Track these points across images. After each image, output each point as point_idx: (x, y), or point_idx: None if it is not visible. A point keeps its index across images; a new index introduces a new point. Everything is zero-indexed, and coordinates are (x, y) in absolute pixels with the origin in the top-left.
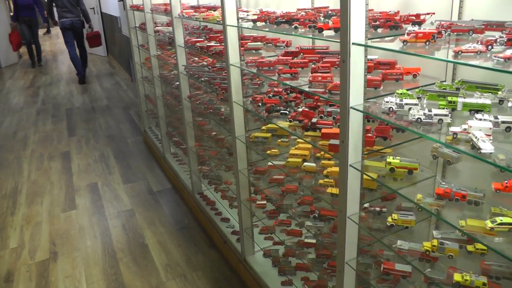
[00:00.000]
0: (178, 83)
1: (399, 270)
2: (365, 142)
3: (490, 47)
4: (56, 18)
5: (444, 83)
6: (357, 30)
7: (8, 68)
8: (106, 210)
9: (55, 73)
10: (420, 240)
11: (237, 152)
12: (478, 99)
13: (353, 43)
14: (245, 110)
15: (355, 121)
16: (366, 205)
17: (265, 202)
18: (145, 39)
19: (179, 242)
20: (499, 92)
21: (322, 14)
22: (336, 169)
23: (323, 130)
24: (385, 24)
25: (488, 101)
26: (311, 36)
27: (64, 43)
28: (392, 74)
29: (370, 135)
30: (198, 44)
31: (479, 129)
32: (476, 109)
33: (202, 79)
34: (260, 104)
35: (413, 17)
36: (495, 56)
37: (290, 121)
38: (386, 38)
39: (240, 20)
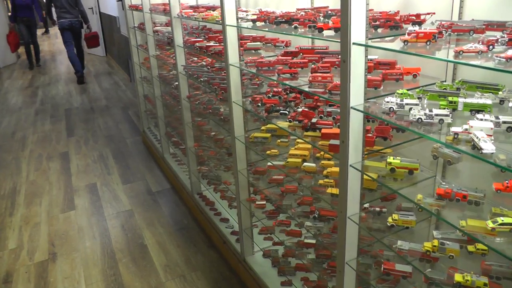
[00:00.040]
0: (177, 83)
1: (399, 270)
2: (365, 142)
3: (491, 47)
4: (55, 18)
5: (444, 83)
6: (358, 30)
7: (6, 68)
8: (105, 210)
9: (53, 73)
10: (420, 240)
11: (236, 152)
12: (478, 99)
13: (353, 43)
14: (245, 110)
15: (356, 121)
16: (366, 205)
17: (264, 202)
18: (144, 39)
19: (178, 242)
20: (500, 92)
21: (321, 14)
22: (336, 169)
23: (323, 130)
24: (385, 24)
25: (489, 101)
26: (311, 36)
27: (63, 43)
28: (392, 74)
29: (370, 135)
30: (197, 44)
31: (480, 129)
32: (477, 109)
33: (201, 79)
34: (259, 104)
35: (413, 17)
36: (496, 56)
37: (290, 121)
38: (386, 38)
39: (239, 20)
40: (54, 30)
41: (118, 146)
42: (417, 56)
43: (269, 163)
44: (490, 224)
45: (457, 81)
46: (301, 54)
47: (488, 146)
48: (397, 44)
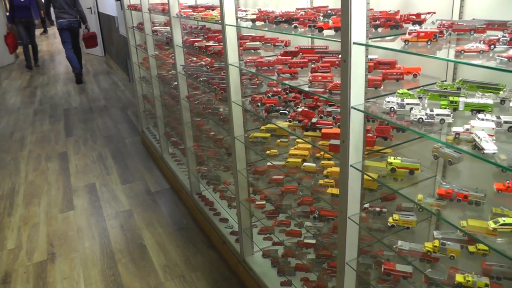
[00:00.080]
0: (176, 83)
1: (400, 270)
2: (365, 142)
3: (493, 46)
4: (53, 19)
5: (445, 82)
6: (358, 30)
7: (4, 69)
8: (104, 210)
9: (52, 73)
10: (420, 240)
11: (236, 152)
12: (479, 99)
13: (354, 43)
14: (244, 110)
15: (356, 121)
16: (366, 205)
17: (264, 202)
18: (143, 39)
19: (177, 242)
20: (501, 92)
21: (321, 14)
22: (336, 169)
23: (323, 130)
24: (385, 23)
25: (490, 101)
26: (311, 35)
27: (61, 43)
28: (392, 74)
29: (370, 135)
30: (196, 44)
31: (482, 129)
32: (478, 109)
33: (201, 79)
34: (259, 104)
35: (414, 17)
36: (498, 56)
37: (290, 121)
38: (387, 38)
39: (239, 20)
40: (53, 30)
41: (117, 146)
42: (417, 56)
43: (268, 163)
44: (491, 225)
45: (457, 81)
46: (300, 53)
47: (490, 146)
48: (397, 44)
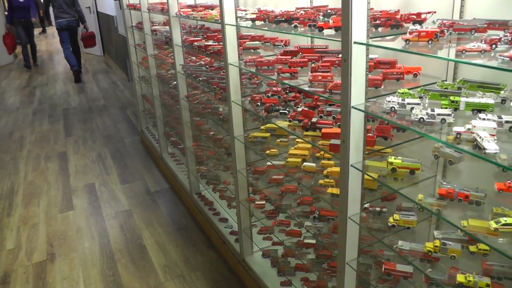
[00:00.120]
0: (175, 82)
1: (400, 270)
2: (365, 142)
3: (494, 46)
4: (52, 18)
5: (445, 82)
6: (359, 29)
7: (3, 68)
8: (104, 210)
9: (51, 73)
10: (420, 240)
11: (235, 152)
12: (480, 98)
13: (354, 42)
14: (244, 110)
15: (356, 120)
16: (366, 205)
17: (264, 202)
18: (142, 38)
19: (177, 242)
20: (501, 92)
21: (321, 13)
22: (337, 169)
23: (324, 130)
24: (386, 23)
25: (491, 101)
26: (311, 35)
27: (60, 42)
28: (392, 74)
29: (370, 134)
30: (196, 43)
31: (483, 129)
32: (479, 109)
33: (200, 78)
34: (259, 103)
35: (414, 16)
36: (500, 55)
37: (290, 121)
38: (387, 37)
39: (238, 19)
40: (51, 30)
41: (117, 146)
42: (417, 55)
43: (268, 163)
44: (493, 225)
45: (458, 80)
46: (300, 53)
47: (491, 146)
48: (398, 43)
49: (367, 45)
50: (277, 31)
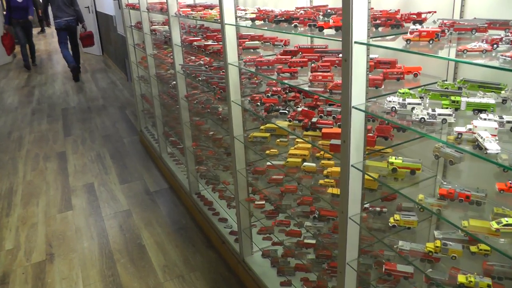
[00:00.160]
0: (174, 82)
1: (401, 271)
2: (366, 142)
3: (495, 46)
4: (51, 18)
5: (445, 82)
6: (359, 29)
7: (1, 68)
8: (103, 210)
9: (50, 72)
10: (420, 240)
11: (235, 152)
12: (481, 98)
13: (355, 42)
14: (244, 110)
15: (357, 121)
16: (366, 205)
17: (263, 202)
18: (141, 38)
19: (176, 242)
20: (502, 92)
21: (321, 13)
22: (337, 169)
23: (324, 130)
24: (386, 22)
25: (492, 101)
26: (311, 35)
27: (58, 42)
28: (393, 73)
29: (371, 134)
30: (195, 43)
31: (485, 129)
32: (479, 109)
33: (200, 78)
34: (258, 103)
35: (414, 16)
36: (501, 55)
37: (290, 121)
38: (387, 37)
39: (238, 19)
40: (50, 29)
41: (116, 145)
42: (417, 55)
43: (268, 163)
44: (494, 225)
45: (458, 80)
46: (300, 53)
47: (493, 146)
48: (399, 43)
49: (368, 45)
50: (277, 31)
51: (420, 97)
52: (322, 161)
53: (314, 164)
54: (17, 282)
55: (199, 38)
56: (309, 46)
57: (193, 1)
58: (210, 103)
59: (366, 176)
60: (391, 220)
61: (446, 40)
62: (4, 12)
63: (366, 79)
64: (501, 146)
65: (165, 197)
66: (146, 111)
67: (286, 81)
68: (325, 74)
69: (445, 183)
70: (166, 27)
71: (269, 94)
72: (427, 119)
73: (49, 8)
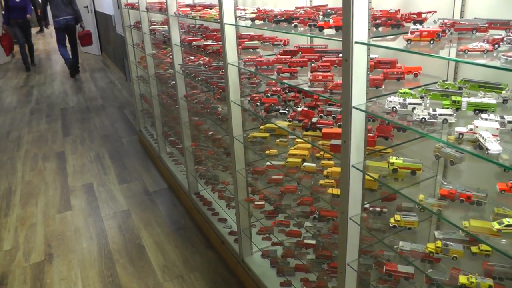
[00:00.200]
0: (174, 82)
1: (401, 271)
2: (366, 142)
3: (497, 45)
4: (50, 18)
5: (446, 82)
6: (360, 29)
7: (0, 68)
8: (102, 211)
9: (49, 72)
10: (420, 240)
11: (235, 152)
12: (482, 98)
13: (355, 42)
14: (243, 110)
15: (358, 121)
16: (366, 205)
17: (263, 202)
18: (140, 37)
19: (176, 243)
20: (503, 92)
21: (321, 13)
22: (337, 169)
23: (324, 130)
24: (386, 22)
25: (493, 101)
26: (312, 34)
27: (56, 41)
28: (393, 73)
29: (371, 135)
30: (194, 43)
31: (486, 129)
32: (480, 109)
33: (199, 78)
34: (258, 103)
35: (415, 16)
36: (503, 55)
37: (290, 121)
38: (388, 37)
39: (238, 19)
40: (49, 29)
41: (115, 145)
42: (417, 55)
43: (268, 163)
44: (496, 226)
45: (459, 80)
46: (300, 53)
47: (494, 147)
48: (399, 43)
49: (369, 45)
50: (277, 31)
51: (421, 97)
52: (322, 161)
53: (314, 164)
54: (15, 282)
55: (198, 38)
56: (309, 46)
57: (192, 1)
58: (210, 103)
59: (366, 176)
60: (392, 220)
61: (446, 40)
62: (3, 12)
63: (367, 79)
64: (503, 146)
65: (164, 197)
66: (145, 111)
67: (285, 81)
68: (325, 74)
69: (445, 183)
70: (165, 26)
71: (269, 94)
72: (428, 119)
73: (48, 8)
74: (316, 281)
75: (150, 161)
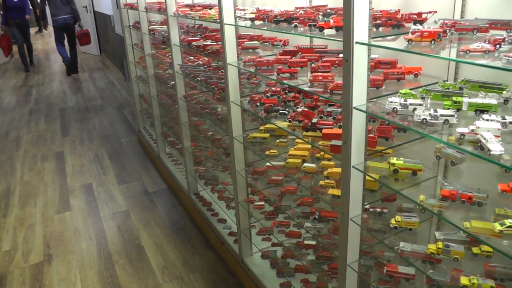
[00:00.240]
0: (173, 82)
1: (402, 272)
2: (367, 143)
3: (498, 46)
4: (49, 16)
5: (446, 82)
6: (360, 29)
7: None
8: (101, 211)
9: (47, 72)
10: (421, 241)
11: (234, 153)
12: (483, 99)
13: (356, 42)
14: (243, 110)
15: (358, 121)
16: (367, 206)
17: (263, 203)
18: (139, 38)
19: (175, 243)
20: (504, 92)
21: (321, 13)
22: (337, 170)
23: (325, 131)
24: (386, 23)
25: (494, 101)
26: (312, 35)
27: (55, 40)
28: (393, 74)
29: (371, 135)
30: (194, 43)
31: (487, 130)
32: (481, 109)
33: (198, 78)
34: (258, 104)
35: (415, 16)
36: (504, 56)
37: (290, 121)
38: (388, 37)
39: (237, 19)
40: (48, 29)
41: (114, 146)
42: (417, 55)
43: (268, 163)
44: (498, 227)
45: (460, 81)
46: (300, 53)
47: (496, 147)
48: (399, 43)
49: (369, 45)
50: (277, 31)
51: (422, 98)
52: (322, 162)
53: (314, 165)
54: (14, 283)
55: (197, 38)
56: (309, 46)
57: (191, 1)
58: (209, 103)
59: (367, 177)
60: (393, 221)
61: (447, 41)
62: (1, 12)
63: (367, 79)
64: (504, 147)
65: (164, 197)
66: (144, 111)
67: (285, 82)
68: (326, 74)
69: (446, 183)
70: (165, 27)
71: (269, 95)
72: (429, 120)
73: (47, 8)
74: (316, 282)
75: (149, 162)
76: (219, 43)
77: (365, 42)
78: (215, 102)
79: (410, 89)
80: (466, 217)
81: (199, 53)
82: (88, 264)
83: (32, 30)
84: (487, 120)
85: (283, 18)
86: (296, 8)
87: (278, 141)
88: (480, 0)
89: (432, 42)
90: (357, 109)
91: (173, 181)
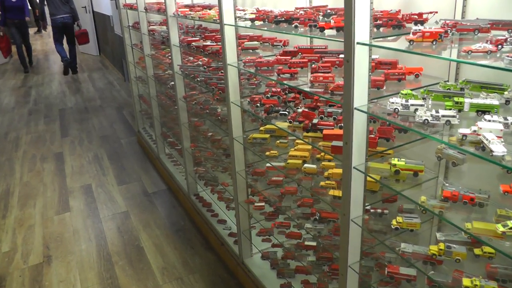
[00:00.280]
0: (173, 83)
1: (403, 274)
2: (368, 144)
3: (500, 46)
4: (47, 19)
5: (447, 83)
6: (362, 30)
7: None
8: (101, 212)
9: (47, 72)
10: (422, 242)
11: (234, 153)
12: (485, 99)
13: (357, 43)
14: (243, 111)
15: (359, 122)
16: (367, 207)
17: (263, 204)
18: (139, 38)
19: (175, 244)
20: (505, 92)
21: (321, 13)
22: (338, 170)
23: (325, 131)
24: (387, 23)
25: (495, 102)
26: (312, 35)
27: (53, 39)
28: (394, 74)
29: (372, 136)
30: (194, 43)
31: (489, 130)
32: (483, 110)
33: (198, 79)
34: (258, 104)
35: (416, 16)
36: (507, 56)
37: (290, 122)
38: (389, 38)
39: (237, 19)
40: (47, 30)
41: (113, 146)
42: (418, 56)
43: (268, 164)
44: (500, 228)
45: (461, 81)
46: (300, 53)
47: (499, 148)
48: (400, 44)
49: (370, 45)
50: (278, 32)
51: (423, 98)
52: (323, 163)
53: (314, 166)
54: (13, 284)
55: (197, 39)
56: (309, 47)
57: (191, 1)
58: (209, 104)
59: (368, 178)
60: (394, 222)
61: (449, 41)
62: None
63: (368, 80)
64: (507, 148)
65: (163, 198)
66: (143, 111)
67: (286, 82)
68: (326, 75)
69: (447, 184)
70: (164, 27)
71: (269, 95)
72: (431, 120)
73: (46, 8)
74: (316, 283)
75: (149, 162)
76: (219, 43)
77: (366, 42)
78: (215, 102)
79: (411, 90)
80: (467, 218)
81: (199, 54)
82: (88, 265)
83: (31, 31)
84: (489, 120)
85: (283, 19)
86: (296, 8)
87: (278, 141)
88: (481, 1)
89: (434, 43)
90: (358, 109)
91: (172, 182)
